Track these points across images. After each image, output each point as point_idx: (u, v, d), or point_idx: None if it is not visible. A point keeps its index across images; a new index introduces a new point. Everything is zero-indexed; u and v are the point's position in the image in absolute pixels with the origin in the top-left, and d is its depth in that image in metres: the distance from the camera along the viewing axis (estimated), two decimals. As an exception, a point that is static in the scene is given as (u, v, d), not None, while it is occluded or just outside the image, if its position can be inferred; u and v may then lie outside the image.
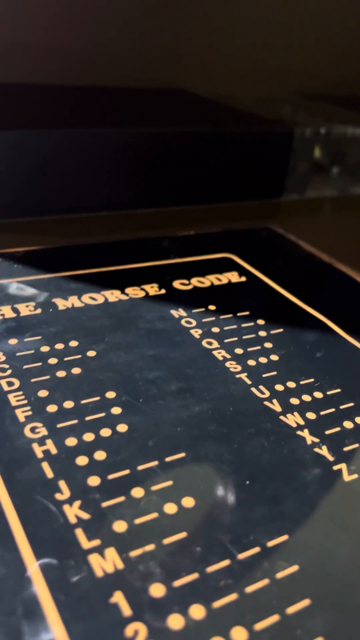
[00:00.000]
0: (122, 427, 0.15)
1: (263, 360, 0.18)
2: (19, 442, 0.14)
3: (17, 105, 0.30)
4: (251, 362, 0.18)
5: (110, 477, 0.13)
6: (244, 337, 0.19)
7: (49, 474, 0.13)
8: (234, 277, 0.23)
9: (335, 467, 0.14)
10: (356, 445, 0.15)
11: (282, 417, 0.16)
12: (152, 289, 0.21)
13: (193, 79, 0.38)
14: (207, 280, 0.22)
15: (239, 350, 0.18)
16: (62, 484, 0.13)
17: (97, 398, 0.15)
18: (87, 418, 0.15)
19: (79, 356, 0.17)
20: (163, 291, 0.21)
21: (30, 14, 0.31)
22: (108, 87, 0.34)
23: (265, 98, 0.39)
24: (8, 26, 0.31)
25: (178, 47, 0.37)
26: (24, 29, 0.31)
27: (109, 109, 0.32)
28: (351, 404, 0.16)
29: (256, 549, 0.12)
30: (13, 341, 0.17)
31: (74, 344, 0.17)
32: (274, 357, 0.18)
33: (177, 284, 0.22)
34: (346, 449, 0.15)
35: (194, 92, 0.37)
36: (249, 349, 0.18)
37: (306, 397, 0.16)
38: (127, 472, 0.13)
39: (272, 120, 0.33)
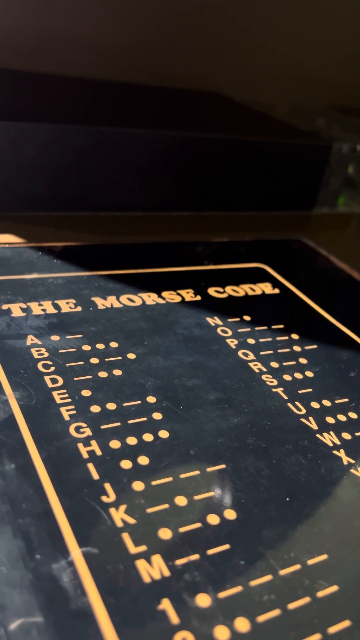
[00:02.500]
0: (163, 434, 0.15)
1: (298, 376, 0.18)
2: (64, 440, 0.14)
3: (59, 98, 0.30)
4: (287, 377, 0.18)
5: (154, 483, 0.13)
6: (279, 351, 0.19)
7: (95, 475, 0.13)
8: (267, 288, 0.23)
9: (371, 490, 0.14)
10: (390, 469, 0.15)
11: (318, 436, 0.16)
12: (188, 295, 0.21)
13: (229, 83, 0.38)
14: (241, 290, 0.22)
15: (274, 364, 0.18)
16: (107, 487, 0.13)
17: (139, 402, 0.16)
18: (130, 421, 0.15)
19: (120, 358, 0.17)
20: (198, 297, 0.21)
21: (80, 7, 0.31)
22: (148, 85, 0.34)
23: (300, 108, 0.39)
24: (56, 18, 0.31)
25: (216, 50, 0.37)
26: (72, 21, 0.32)
27: (148, 108, 0.32)
28: (385, 427, 0.17)
29: (297, 566, 0.12)
30: (55, 337, 0.17)
31: (114, 345, 0.18)
32: (309, 374, 0.18)
33: (212, 291, 0.22)
34: (381, 472, 0.15)
35: (229, 96, 0.37)
36: (285, 364, 0.18)
37: (341, 417, 0.17)
38: (170, 479, 0.14)
39: (308, 133, 0.33)
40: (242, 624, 0.11)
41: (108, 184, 0.27)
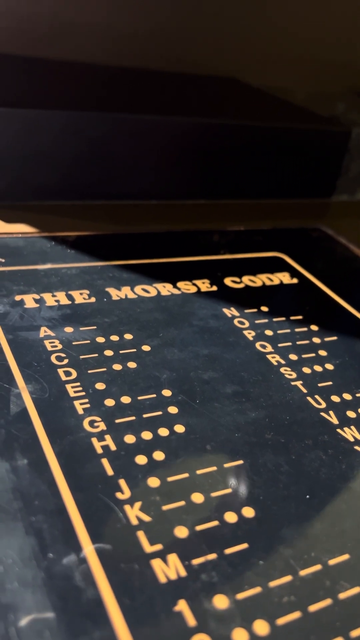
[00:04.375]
0: (179, 428, 0.14)
1: (318, 368, 0.18)
2: (78, 435, 0.14)
3: (72, 85, 0.30)
4: (306, 370, 0.17)
5: (170, 479, 0.13)
6: (298, 343, 0.19)
7: (109, 471, 0.13)
8: (285, 278, 0.22)
9: (394, 487, 0.14)
10: None
11: (339, 430, 0.15)
12: (204, 285, 0.21)
13: (246, 68, 0.37)
14: (258, 280, 0.22)
15: (293, 357, 0.18)
16: (122, 483, 0.13)
17: (154, 395, 0.15)
18: (145, 415, 0.15)
19: (134, 350, 0.17)
20: (215, 288, 0.21)
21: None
22: (163, 71, 0.34)
23: (318, 93, 0.38)
24: (69, 3, 0.31)
25: (232, 35, 0.36)
26: (85, 7, 0.31)
27: (163, 95, 0.32)
28: None
29: (318, 567, 0.12)
30: (69, 329, 0.17)
31: (128, 336, 0.17)
32: (329, 366, 0.18)
33: (228, 281, 0.21)
34: None
35: (246, 82, 0.37)
36: (304, 356, 0.18)
37: (363, 411, 0.16)
38: (186, 475, 0.13)
39: (327, 118, 0.32)
40: (261, 627, 0.10)
41: (122, 172, 0.27)
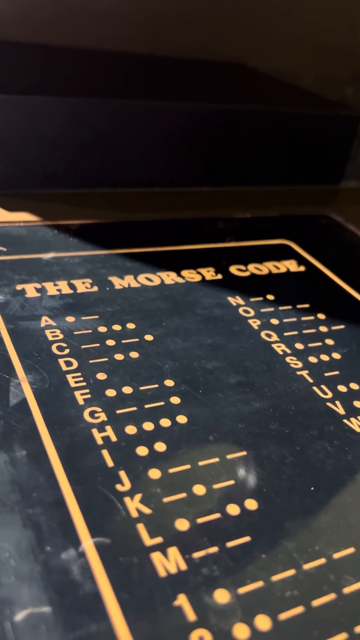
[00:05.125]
0: (181, 419, 0.14)
1: (325, 357, 0.17)
2: (78, 426, 0.13)
3: (76, 71, 0.30)
4: (312, 359, 0.17)
5: (172, 471, 0.13)
6: (304, 332, 0.18)
7: (109, 462, 0.13)
8: (292, 265, 0.22)
9: None
10: None
11: (345, 421, 0.15)
12: (209, 273, 0.20)
13: (253, 53, 0.36)
14: (264, 268, 0.21)
15: (299, 346, 0.18)
16: (122, 475, 0.12)
17: (156, 385, 0.15)
18: (147, 406, 0.14)
19: (137, 340, 0.17)
20: (219, 276, 0.20)
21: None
22: (168, 57, 0.33)
23: (326, 78, 0.37)
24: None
25: (238, 19, 0.36)
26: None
27: (168, 81, 0.31)
28: None
29: (322, 560, 0.11)
30: (70, 319, 0.17)
31: (131, 326, 0.17)
32: (336, 356, 0.17)
33: (233, 269, 0.21)
34: None
35: (253, 67, 0.36)
36: (310, 345, 0.18)
37: (370, 401, 0.16)
38: (188, 466, 0.13)
39: (336, 103, 0.32)
40: (263, 622, 0.10)
41: (126, 159, 0.26)
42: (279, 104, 0.30)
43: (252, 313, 0.19)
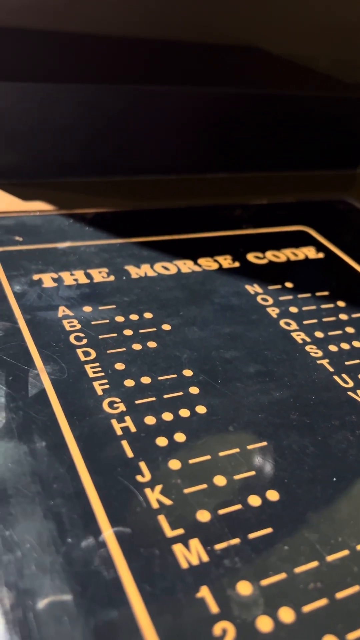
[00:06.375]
0: (201, 409, 0.14)
1: (345, 346, 0.17)
2: (97, 416, 0.13)
3: (87, 57, 0.29)
4: (333, 348, 0.17)
5: (192, 461, 0.13)
6: (324, 320, 0.18)
7: (129, 453, 0.13)
8: (310, 252, 0.22)
9: None
10: None
11: (367, 410, 0.15)
12: (226, 261, 0.20)
13: (268, 36, 0.36)
14: (282, 255, 0.21)
15: (319, 334, 0.17)
16: (142, 465, 0.12)
17: (174, 375, 0.15)
18: (165, 396, 0.14)
19: (154, 329, 0.16)
20: (237, 264, 0.20)
21: None
22: (181, 42, 0.33)
23: (343, 60, 0.36)
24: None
25: (252, 2, 0.35)
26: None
27: (182, 65, 0.31)
28: None
29: (345, 552, 0.11)
30: (87, 309, 0.17)
31: (148, 315, 0.17)
32: (357, 344, 0.17)
33: (251, 257, 0.21)
34: None
35: (268, 50, 0.35)
36: (330, 333, 0.17)
37: (392, 390, 0.16)
38: (208, 457, 0.13)
39: (353, 86, 0.31)
40: (286, 614, 0.10)
41: (141, 146, 0.26)
42: (295, 88, 0.29)
43: (271, 301, 0.18)
